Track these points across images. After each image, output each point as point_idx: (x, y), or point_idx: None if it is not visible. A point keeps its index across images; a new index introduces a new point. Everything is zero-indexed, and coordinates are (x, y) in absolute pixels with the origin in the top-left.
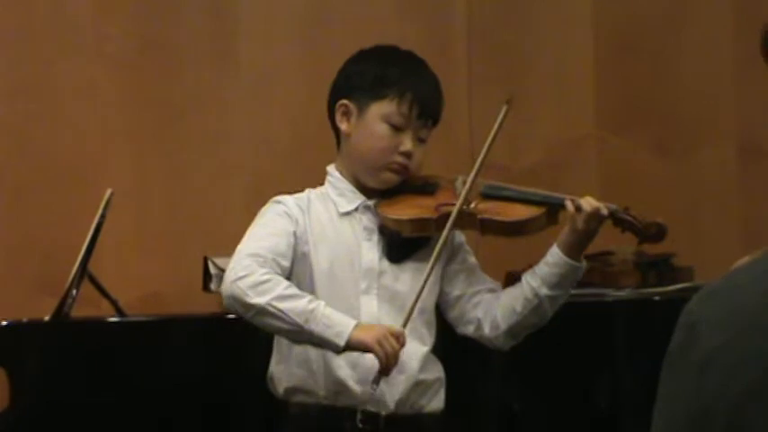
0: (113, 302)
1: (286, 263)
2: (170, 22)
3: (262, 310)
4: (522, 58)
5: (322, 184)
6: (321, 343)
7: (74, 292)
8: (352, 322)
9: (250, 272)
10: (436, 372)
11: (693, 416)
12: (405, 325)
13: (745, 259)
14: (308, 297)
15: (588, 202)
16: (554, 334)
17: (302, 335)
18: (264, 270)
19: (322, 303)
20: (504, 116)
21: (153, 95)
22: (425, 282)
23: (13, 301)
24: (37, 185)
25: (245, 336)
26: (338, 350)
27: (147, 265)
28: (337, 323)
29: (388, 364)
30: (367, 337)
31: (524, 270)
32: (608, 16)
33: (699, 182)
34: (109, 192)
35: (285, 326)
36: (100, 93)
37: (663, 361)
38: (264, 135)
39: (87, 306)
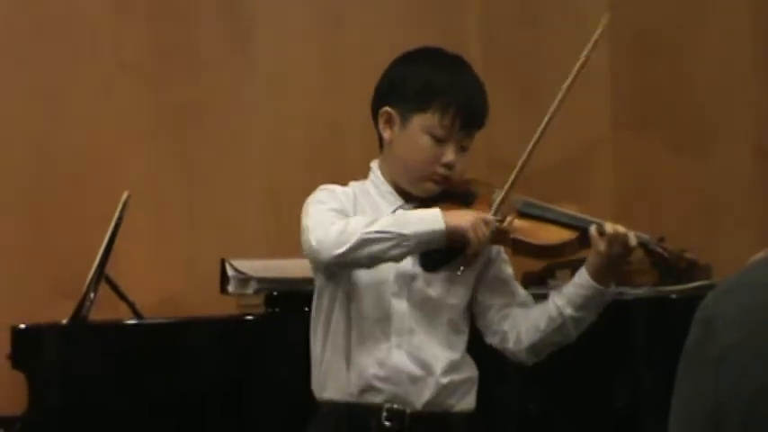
0: (131, 305)
1: None
2: (186, 24)
3: (361, 243)
4: (537, 59)
5: (338, 183)
6: (426, 237)
7: (91, 295)
8: (437, 209)
9: (327, 230)
10: (467, 371)
11: (709, 412)
12: (495, 213)
13: (761, 255)
14: (382, 215)
15: (612, 227)
16: None
17: (408, 240)
18: (338, 222)
19: (398, 211)
20: (601, 33)
21: (169, 98)
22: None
23: (32, 305)
24: (54, 188)
25: (263, 338)
26: (443, 237)
27: (164, 268)
28: (425, 215)
29: (478, 249)
30: (461, 221)
31: (542, 271)
32: (624, 15)
33: (715, 180)
34: (126, 194)
35: (389, 243)
36: (116, 95)
37: (680, 358)
38: (281, 136)
39: (105, 309)
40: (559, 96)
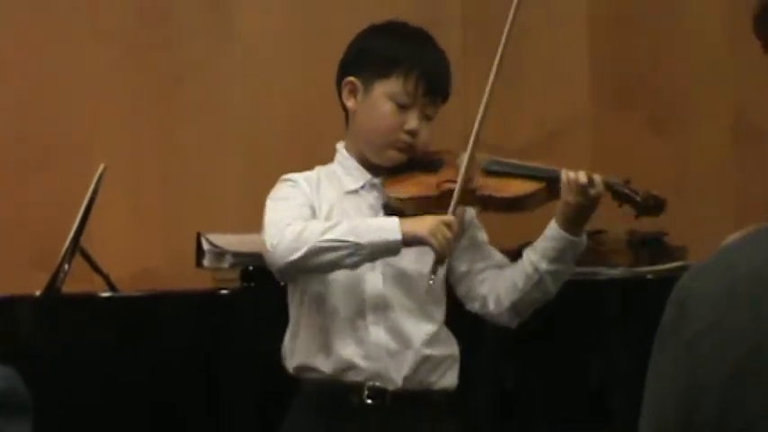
0: (105, 277)
1: None
2: None
3: (315, 251)
4: (516, 34)
5: (319, 158)
6: (381, 248)
7: (66, 266)
8: (395, 218)
9: (281, 234)
10: (447, 348)
11: (683, 393)
12: (453, 211)
13: (736, 235)
14: (343, 219)
15: (581, 174)
16: (547, 312)
17: (362, 249)
18: (294, 224)
19: (358, 218)
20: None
21: (148, 67)
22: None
23: (6, 276)
24: (29, 159)
25: (238, 312)
26: (398, 247)
27: (140, 241)
28: (384, 224)
29: (443, 254)
30: (419, 228)
31: (519, 248)
32: None
33: (692, 161)
34: (102, 167)
35: (344, 251)
36: (93, 65)
37: (655, 338)
38: (261, 108)
39: (79, 281)
40: (497, 60)
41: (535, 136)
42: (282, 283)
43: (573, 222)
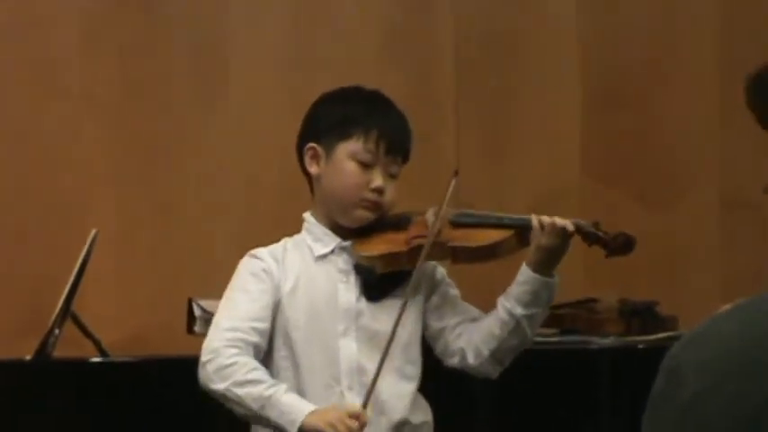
0: (96, 343)
1: (264, 325)
2: (157, 62)
3: (222, 396)
4: (508, 103)
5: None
6: (278, 429)
7: (56, 331)
8: (308, 408)
9: (216, 355)
10: (422, 415)
11: None
12: (366, 403)
13: (726, 307)
14: (269, 383)
15: (552, 218)
16: (538, 380)
17: (261, 421)
18: (231, 352)
19: (282, 388)
20: (453, 189)
21: (139, 136)
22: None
23: None
24: (21, 224)
25: None
26: None
27: (130, 306)
28: (292, 410)
29: None
30: (320, 422)
31: None
32: (595, 64)
33: (681, 233)
34: (93, 231)
35: (245, 411)
36: (86, 132)
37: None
38: (250, 177)
39: (70, 346)
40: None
41: (524, 205)
42: None
43: (545, 264)
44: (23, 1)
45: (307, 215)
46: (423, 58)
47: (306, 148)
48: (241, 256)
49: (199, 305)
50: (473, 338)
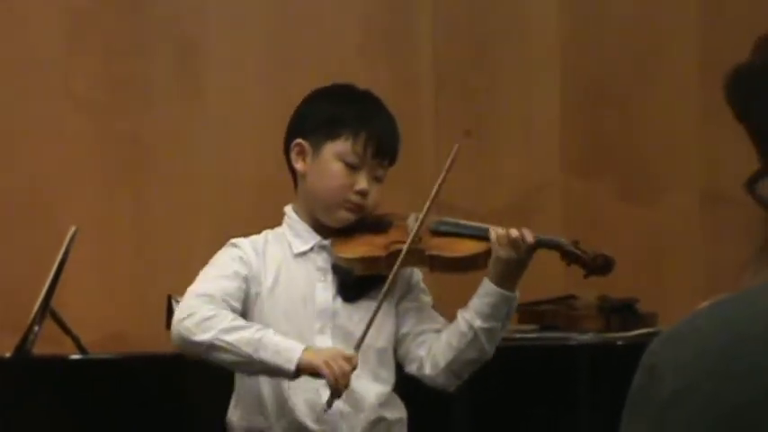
0: (75, 340)
1: (236, 304)
2: (138, 60)
3: (210, 346)
4: (488, 101)
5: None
6: (273, 370)
7: (36, 328)
8: (301, 346)
9: (195, 310)
10: (398, 411)
11: None
12: (357, 348)
13: (705, 304)
14: (256, 326)
15: (512, 229)
16: (517, 376)
17: (254, 365)
18: (210, 307)
19: (270, 331)
20: (456, 155)
21: (120, 133)
22: (373, 316)
23: None
24: (1, 222)
25: (208, 376)
26: (290, 375)
27: (110, 304)
28: (286, 348)
29: (337, 385)
30: (316, 359)
31: None
32: (575, 62)
33: (662, 228)
34: (73, 229)
35: (236, 358)
36: (66, 130)
37: (625, 403)
38: (231, 175)
39: (49, 343)
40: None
41: (506, 202)
42: None
43: (505, 278)
44: None
45: (288, 209)
46: (403, 56)
47: (293, 144)
48: None
49: (178, 301)
50: (432, 348)
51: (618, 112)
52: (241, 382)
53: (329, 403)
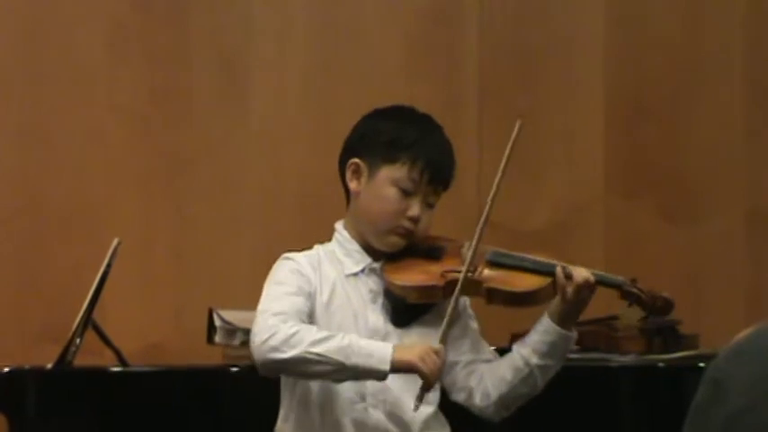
0: (116, 352)
1: (306, 319)
2: (181, 71)
3: (301, 360)
4: (532, 120)
5: (330, 235)
6: (366, 373)
7: (77, 340)
8: (390, 345)
9: (276, 330)
10: (442, 429)
11: None
12: (442, 342)
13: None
14: (339, 334)
15: (579, 272)
16: (558, 398)
17: (346, 371)
18: (290, 324)
19: (354, 336)
20: (518, 134)
21: (162, 144)
22: (452, 312)
23: (18, 348)
24: (44, 232)
25: (248, 390)
26: (384, 376)
27: (151, 316)
28: (376, 350)
29: (432, 380)
30: (410, 356)
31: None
32: (619, 80)
33: (705, 249)
34: (116, 241)
35: (328, 367)
36: (109, 140)
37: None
38: (273, 188)
39: (90, 355)
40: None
41: (548, 220)
42: None
43: (567, 318)
44: (51, 7)
45: (338, 226)
46: (447, 72)
47: (349, 163)
48: (261, 267)
49: (219, 315)
50: (484, 380)
51: (661, 131)
52: (291, 397)
53: (420, 398)
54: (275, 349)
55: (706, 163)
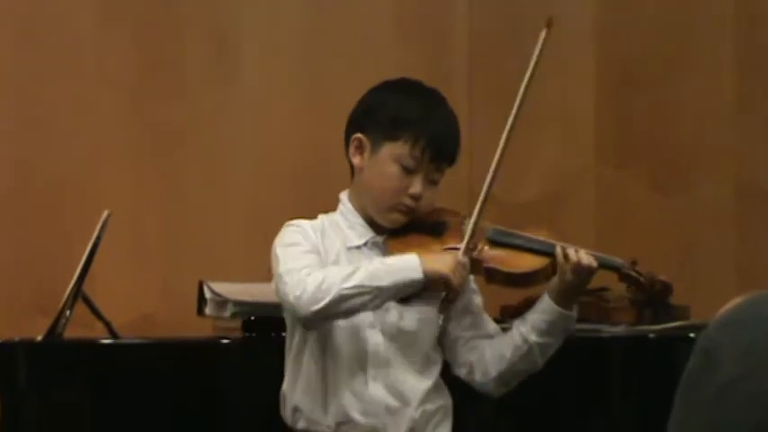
0: (107, 324)
1: None
2: (172, 43)
3: (340, 299)
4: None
5: (321, 207)
6: (406, 287)
7: (67, 312)
8: (412, 255)
9: (305, 283)
10: (441, 399)
11: None
12: (465, 254)
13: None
14: (362, 264)
15: (579, 255)
16: (548, 369)
17: (387, 291)
18: (316, 274)
19: (375, 259)
20: (544, 42)
21: (153, 117)
22: (474, 228)
23: (7, 321)
24: (33, 205)
25: (238, 361)
26: (421, 284)
27: (141, 288)
28: (405, 264)
29: (459, 292)
30: (442, 266)
31: (519, 303)
32: (610, 52)
33: (695, 219)
34: (106, 213)
35: (368, 296)
36: (99, 113)
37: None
38: (265, 158)
39: (80, 327)
40: (514, 111)
41: (539, 191)
42: (284, 334)
43: (566, 297)
44: None
45: (343, 197)
46: (437, 40)
47: (352, 138)
48: (252, 239)
49: (210, 288)
50: (484, 356)
51: (652, 102)
52: (296, 364)
53: (444, 309)
54: (312, 299)
55: (696, 133)
